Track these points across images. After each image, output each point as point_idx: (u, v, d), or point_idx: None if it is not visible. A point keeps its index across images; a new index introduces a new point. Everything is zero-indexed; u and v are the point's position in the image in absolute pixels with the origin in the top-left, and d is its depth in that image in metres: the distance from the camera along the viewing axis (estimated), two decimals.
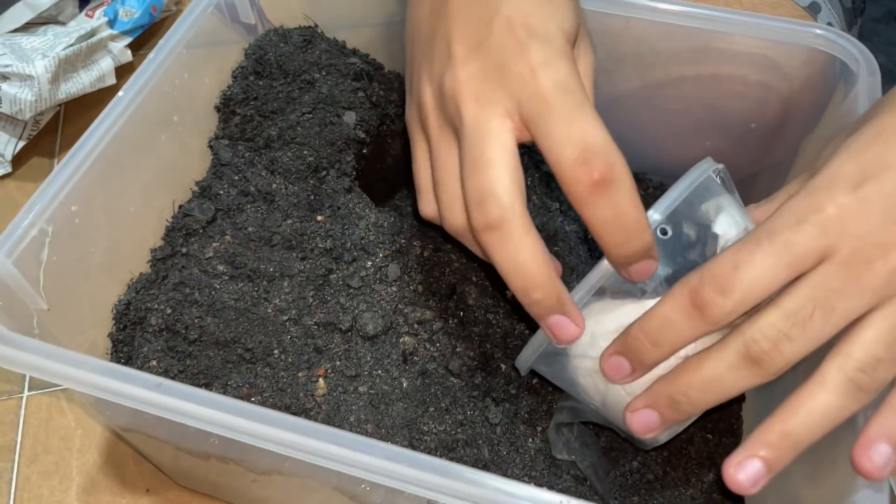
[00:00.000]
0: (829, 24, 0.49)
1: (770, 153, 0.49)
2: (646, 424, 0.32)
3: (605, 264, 0.33)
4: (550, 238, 0.47)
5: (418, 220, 0.48)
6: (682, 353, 0.32)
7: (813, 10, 0.47)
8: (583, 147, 0.29)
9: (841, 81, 0.43)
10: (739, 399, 0.43)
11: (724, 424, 0.42)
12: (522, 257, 0.31)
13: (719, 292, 0.29)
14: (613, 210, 0.29)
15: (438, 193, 0.34)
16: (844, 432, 0.30)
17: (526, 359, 0.37)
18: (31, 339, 0.31)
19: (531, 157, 0.51)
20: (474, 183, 0.31)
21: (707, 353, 0.30)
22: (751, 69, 0.44)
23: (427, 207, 0.36)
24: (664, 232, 0.34)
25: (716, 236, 0.34)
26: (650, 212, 0.33)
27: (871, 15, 0.56)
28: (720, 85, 0.45)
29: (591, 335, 0.35)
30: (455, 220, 0.33)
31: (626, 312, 0.34)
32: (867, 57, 0.41)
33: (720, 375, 0.29)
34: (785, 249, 0.28)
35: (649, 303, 0.33)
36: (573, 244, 0.47)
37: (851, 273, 0.27)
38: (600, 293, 0.34)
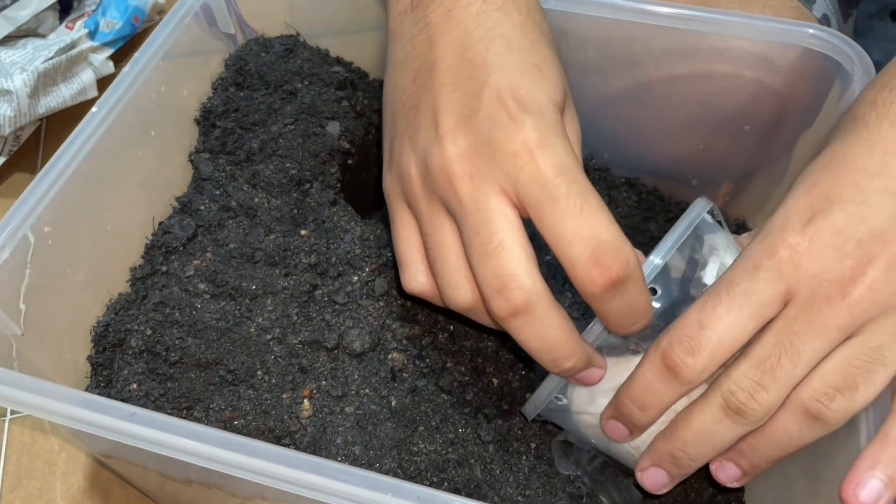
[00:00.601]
0: (825, 14, 0.48)
1: (766, 153, 0.48)
2: (656, 482, 0.33)
3: (597, 327, 0.33)
4: (542, 247, 0.45)
5: None
6: (678, 405, 0.32)
7: (808, 2, 0.46)
8: (595, 245, 0.28)
9: (836, 80, 0.42)
10: None
11: None
12: (553, 334, 0.30)
13: (688, 353, 0.29)
14: (625, 303, 0.29)
15: (438, 271, 0.32)
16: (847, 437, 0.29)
17: (532, 409, 0.37)
18: (3, 369, 0.30)
19: None
20: (490, 269, 0.29)
21: (692, 407, 0.31)
22: (745, 68, 0.43)
23: (413, 282, 0.34)
24: (653, 291, 0.33)
25: (705, 285, 0.34)
26: (651, 257, 0.33)
27: (865, 10, 0.55)
28: (714, 83, 0.44)
29: (589, 393, 0.35)
30: (462, 298, 0.32)
31: (620, 370, 0.34)
32: (861, 55, 0.40)
33: (709, 428, 0.30)
34: (745, 300, 0.28)
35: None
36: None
37: (813, 314, 0.27)
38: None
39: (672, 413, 0.32)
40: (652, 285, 0.33)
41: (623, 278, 0.28)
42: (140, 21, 0.65)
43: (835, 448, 0.31)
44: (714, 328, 0.28)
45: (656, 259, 0.33)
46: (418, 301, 0.40)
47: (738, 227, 0.50)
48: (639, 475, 0.34)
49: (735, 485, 0.32)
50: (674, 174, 0.49)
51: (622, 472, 0.38)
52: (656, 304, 0.33)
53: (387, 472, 0.34)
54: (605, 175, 0.49)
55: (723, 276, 0.30)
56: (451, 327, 0.40)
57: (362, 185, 0.48)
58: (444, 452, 0.36)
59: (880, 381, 0.27)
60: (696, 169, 0.48)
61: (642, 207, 0.49)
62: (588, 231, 0.28)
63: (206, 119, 0.44)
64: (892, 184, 0.28)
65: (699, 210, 0.34)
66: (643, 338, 0.34)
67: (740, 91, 0.44)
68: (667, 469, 0.32)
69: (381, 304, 0.40)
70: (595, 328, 0.33)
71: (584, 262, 0.28)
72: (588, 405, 0.35)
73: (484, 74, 0.30)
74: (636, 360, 0.33)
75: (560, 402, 0.36)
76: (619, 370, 0.34)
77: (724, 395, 0.29)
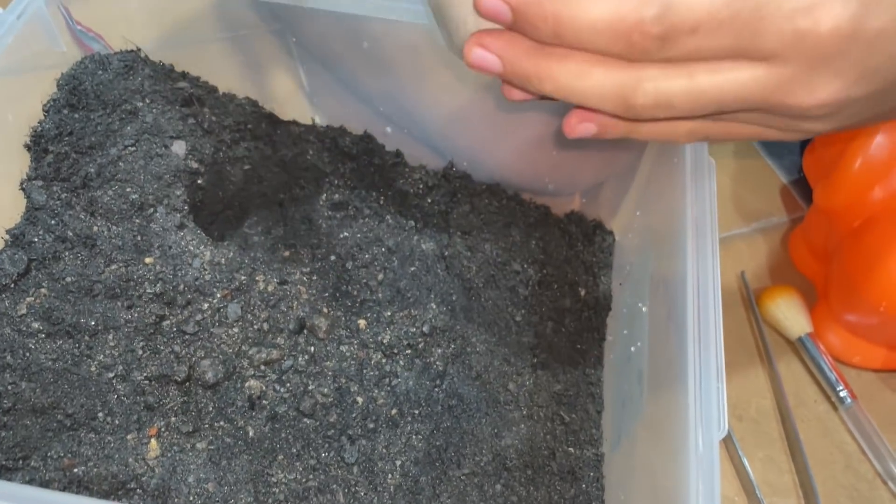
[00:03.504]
0: None
1: (613, 165, 0.49)
2: (482, 65, 0.27)
3: None
4: (406, 258, 0.45)
5: (265, 249, 0.45)
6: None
7: None
8: None
9: None
10: (598, 408, 0.43)
11: (584, 435, 0.42)
12: None
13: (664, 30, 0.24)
14: None
15: None
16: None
17: None
18: None
19: (381, 175, 0.49)
20: None
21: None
22: None
23: None
24: None
25: None
26: None
27: None
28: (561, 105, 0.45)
29: None
30: None
31: None
32: None
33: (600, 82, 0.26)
34: None
35: None
36: (430, 263, 0.45)
37: None
38: None
39: None
40: None
41: None
42: None
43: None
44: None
45: None
46: (276, 324, 0.39)
47: (595, 228, 0.51)
48: (469, 48, 0.28)
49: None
50: (531, 184, 0.49)
51: None
52: None
53: None
54: (466, 182, 0.50)
55: None
56: (312, 348, 0.40)
57: (219, 202, 0.46)
58: (304, 480, 0.36)
59: None
60: (551, 178, 0.49)
61: (504, 213, 0.49)
62: None
63: (38, 144, 0.41)
64: None
65: None
66: None
67: None
68: (511, 67, 0.27)
69: (236, 330, 0.38)
70: None
71: None
72: None
73: None
74: None
75: None
76: None
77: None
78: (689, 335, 0.30)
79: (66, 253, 0.39)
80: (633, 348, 0.38)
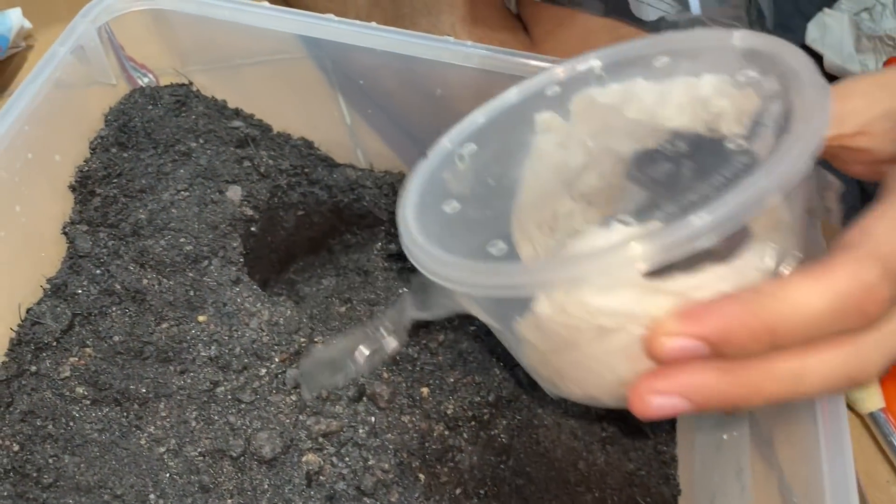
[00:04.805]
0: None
1: None
2: (664, 412, 0.23)
3: None
4: (466, 316, 0.42)
5: (317, 301, 0.43)
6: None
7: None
8: None
9: None
10: (674, 492, 0.40)
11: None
12: None
13: None
14: None
15: None
16: None
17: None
18: None
19: None
20: None
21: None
22: None
23: None
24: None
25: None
26: None
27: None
28: None
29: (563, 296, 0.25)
30: None
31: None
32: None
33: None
34: None
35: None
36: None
37: None
38: None
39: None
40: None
41: None
42: (3, 49, 0.57)
43: None
44: None
45: None
46: (334, 391, 0.36)
47: None
48: (636, 396, 0.23)
49: None
50: None
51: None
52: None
53: None
54: None
55: None
56: (373, 419, 0.37)
57: (267, 247, 0.43)
58: None
59: None
60: None
61: None
62: None
63: (84, 185, 0.38)
64: None
65: None
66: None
67: None
68: (698, 402, 0.23)
69: (293, 398, 0.35)
70: None
71: None
72: (559, 315, 0.25)
73: None
74: (618, 226, 0.24)
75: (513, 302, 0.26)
76: (596, 240, 0.24)
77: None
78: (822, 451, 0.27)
79: (114, 308, 0.36)
80: (724, 436, 0.36)
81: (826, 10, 0.53)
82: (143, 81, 0.44)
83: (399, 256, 0.45)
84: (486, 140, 0.32)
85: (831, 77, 0.52)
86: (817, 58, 0.52)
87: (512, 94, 0.33)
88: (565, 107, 0.31)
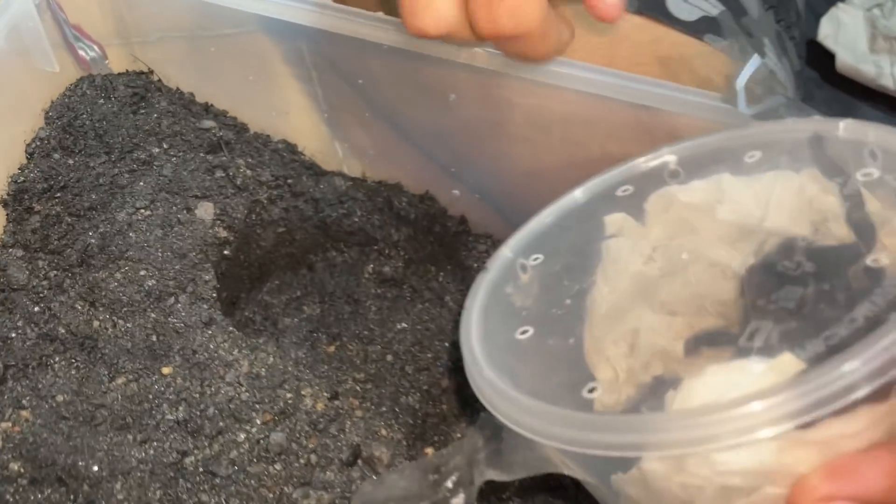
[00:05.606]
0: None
1: None
2: None
3: None
4: None
5: (300, 336, 0.37)
6: None
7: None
8: None
9: None
10: None
11: None
12: None
13: None
14: None
15: None
16: None
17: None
18: None
19: (442, 244, 0.41)
20: None
21: None
22: None
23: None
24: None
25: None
26: None
27: (809, 75, 0.51)
28: None
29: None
30: None
31: (722, 382, 0.21)
32: None
33: None
34: None
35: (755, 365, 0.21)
36: None
37: None
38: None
39: None
40: None
41: None
42: None
43: None
44: None
45: None
46: (326, 454, 0.31)
47: None
48: None
49: None
50: None
51: None
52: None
53: None
54: None
55: None
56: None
57: (241, 269, 0.37)
58: None
59: None
60: None
61: None
62: None
63: (19, 200, 0.32)
64: None
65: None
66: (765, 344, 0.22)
67: None
68: None
69: (279, 466, 0.30)
70: None
71: None
72: (676, 473, 0.21)
73: None
74: (748, 365, 0.21)
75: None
76: (720, 382, 0.21)
77: None
78: None
79: (57, 358, 0.30)
80: None
81: (840, 4, 0.49)
82: (90, 55, 0.36)
83: (395, 282, 0.39)
84: (550, 248, 0.30)
85: (845, 79, 0.48)
86: (829, 57, 0.48)
87: (577, 195, 0.31)
88: (637, 206, 0.29)
